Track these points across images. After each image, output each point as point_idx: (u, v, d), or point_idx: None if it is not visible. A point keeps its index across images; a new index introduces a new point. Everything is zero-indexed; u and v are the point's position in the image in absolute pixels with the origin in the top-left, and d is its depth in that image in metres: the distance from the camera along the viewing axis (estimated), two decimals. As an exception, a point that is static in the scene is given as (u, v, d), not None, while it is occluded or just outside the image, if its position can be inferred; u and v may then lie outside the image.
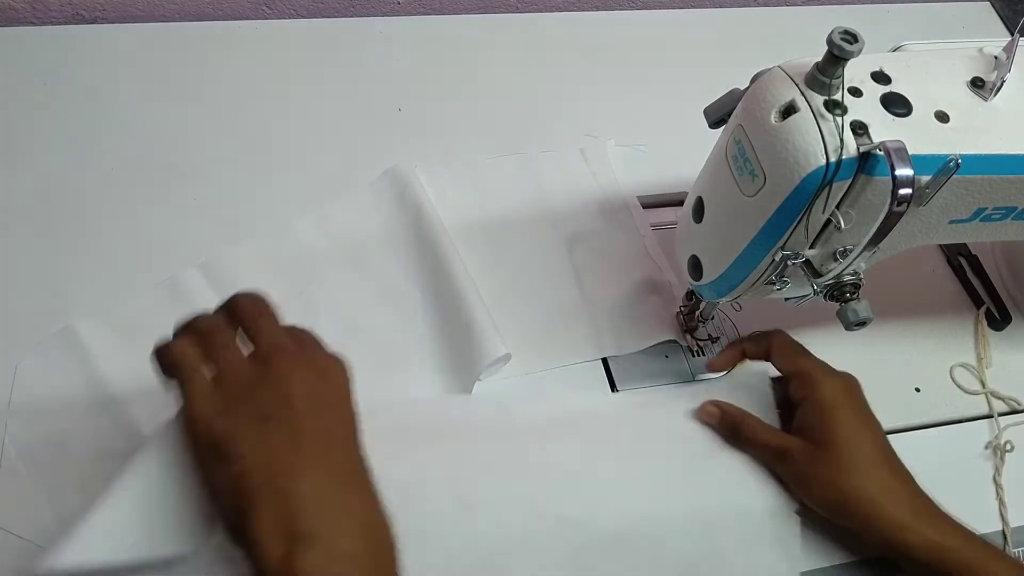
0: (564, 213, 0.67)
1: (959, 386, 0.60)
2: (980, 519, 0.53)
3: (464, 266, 0.60)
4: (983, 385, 0.61)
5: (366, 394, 0.44)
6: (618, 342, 0.59)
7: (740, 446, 0.53)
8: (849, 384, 0.52)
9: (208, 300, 0.58)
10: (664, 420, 0.55)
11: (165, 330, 0.56)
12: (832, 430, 0.49)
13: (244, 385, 0.39)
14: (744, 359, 0.57)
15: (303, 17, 0.82)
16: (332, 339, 0.56)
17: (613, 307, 0.61)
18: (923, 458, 0.51)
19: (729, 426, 0.54)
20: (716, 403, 0.55)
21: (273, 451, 0.37)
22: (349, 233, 0.63)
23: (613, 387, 0.58)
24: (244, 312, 0.43)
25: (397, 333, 0.59)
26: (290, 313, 0.58)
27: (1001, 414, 0.59)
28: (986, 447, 0.57)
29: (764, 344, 0.55)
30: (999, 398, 0.60)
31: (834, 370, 0.53)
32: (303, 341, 0.43)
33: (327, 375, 0.42)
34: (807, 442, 0.50)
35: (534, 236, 0.65)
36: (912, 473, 0.50)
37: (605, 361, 0.59)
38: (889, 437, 0.51)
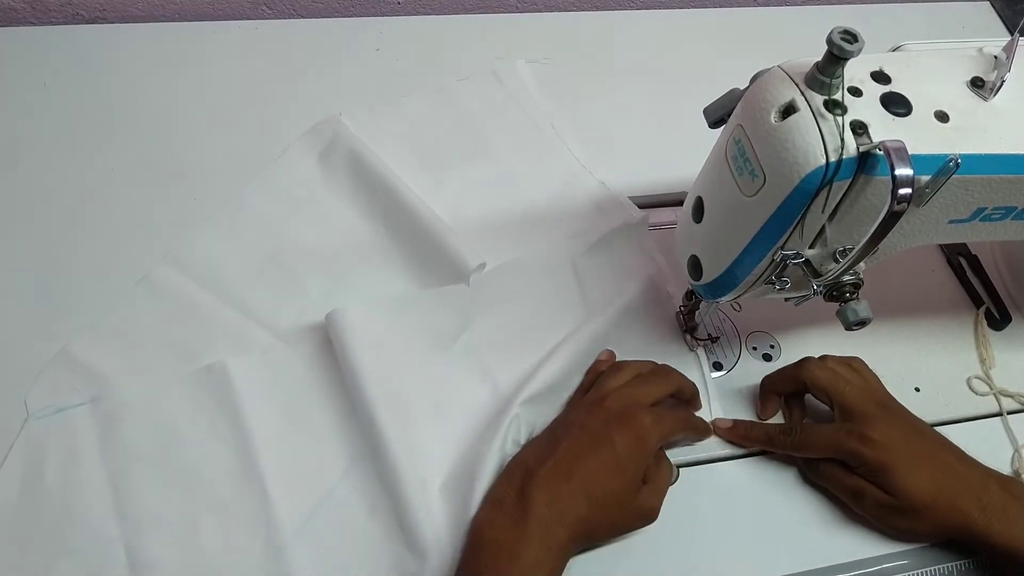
0: (490, 138, 0.71)
1: (973, 390, 0.60)
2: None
3: (414, 192, 0.62)
4: (990, 386, 0.61)
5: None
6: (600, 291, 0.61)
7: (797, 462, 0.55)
8: (889, 426, 0.51)
9: (187, 290, 0.59)
10: None
11: (154, 330, 0.57)
12: (896, 487, 0.49)
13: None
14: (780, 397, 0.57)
15: (303, 17, 0.82)
16: (320, 295, 0.59)
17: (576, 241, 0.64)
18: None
19: (769, 443, 0.54)
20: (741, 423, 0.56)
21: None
22: (297, 190, 0.65)
23: (613, 387, 0.58)
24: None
25: (377, 271, 0.61)
26: (272, 282, 0.60)
27: (1009, 412, 0.59)
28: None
29: (797, 378, 0.55)
30: (1008, 395, 0.60)
31: (874, 409, 0.52)
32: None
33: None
34: (877, 487, 0.50)
35: (465, 165, 0.68)
36: None
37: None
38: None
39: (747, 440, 0.55)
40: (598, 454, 0.47)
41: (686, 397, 0.55)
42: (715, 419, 0.56)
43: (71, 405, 0.53)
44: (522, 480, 0.46)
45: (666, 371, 0.55)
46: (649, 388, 0.52)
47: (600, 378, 0.54)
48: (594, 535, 0.48)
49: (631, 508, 0.48)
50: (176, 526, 0.49)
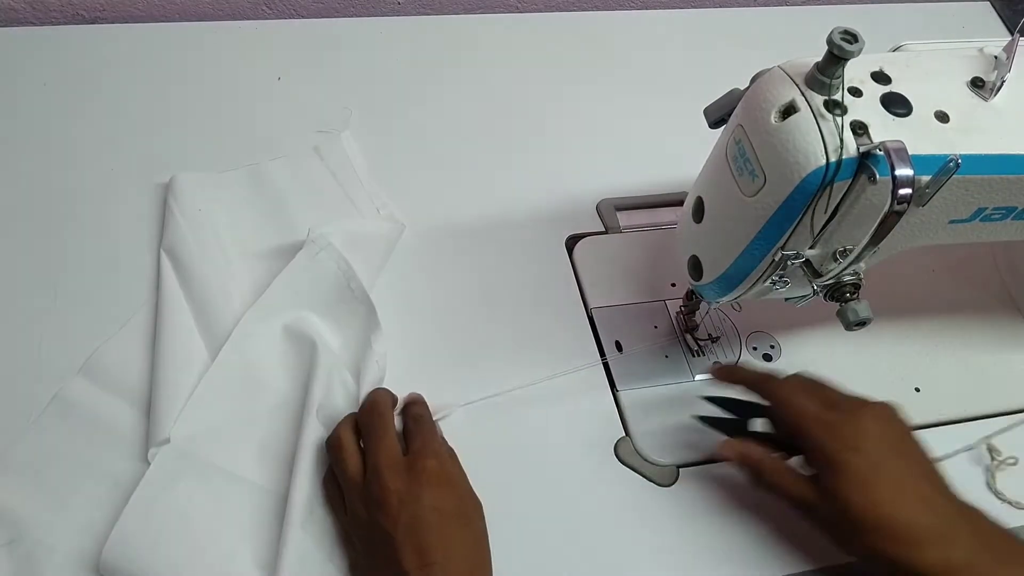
0: (299, 217, 0.62)
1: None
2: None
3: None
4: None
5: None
6: None
7: (764, 489, 0.49)
8: (861, 467, 0.45)
9: (100, 403, 0.53)
10: None
11: (65, 453, 0.51)
12: (857, 524, 0.45)
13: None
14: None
15: (303, 17, 0.82)
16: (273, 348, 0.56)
17: None
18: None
19: (750, 469, 0.50)
20: (735, 443, 0.50)
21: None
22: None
23: (613, 387, 0.58)
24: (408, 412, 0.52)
25: (299, 296, 0.57)
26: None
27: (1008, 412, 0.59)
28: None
29: (767, 390, 0.51)
30: None
31: (850, 438, 0.46)
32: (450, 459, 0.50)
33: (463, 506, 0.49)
34: (830, 505, 0.46)
35: (282, 253, 0.59)
36: None
37: (606, 363, 0.59)
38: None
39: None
40: (455, 515, 0.47)
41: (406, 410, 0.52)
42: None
43: None
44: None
45: (376, 414, 0.50)
46: (422, 436, 0.50)
47: (382, 450, 0.48)
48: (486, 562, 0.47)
49: (481, 523, 0.48)
50: None
